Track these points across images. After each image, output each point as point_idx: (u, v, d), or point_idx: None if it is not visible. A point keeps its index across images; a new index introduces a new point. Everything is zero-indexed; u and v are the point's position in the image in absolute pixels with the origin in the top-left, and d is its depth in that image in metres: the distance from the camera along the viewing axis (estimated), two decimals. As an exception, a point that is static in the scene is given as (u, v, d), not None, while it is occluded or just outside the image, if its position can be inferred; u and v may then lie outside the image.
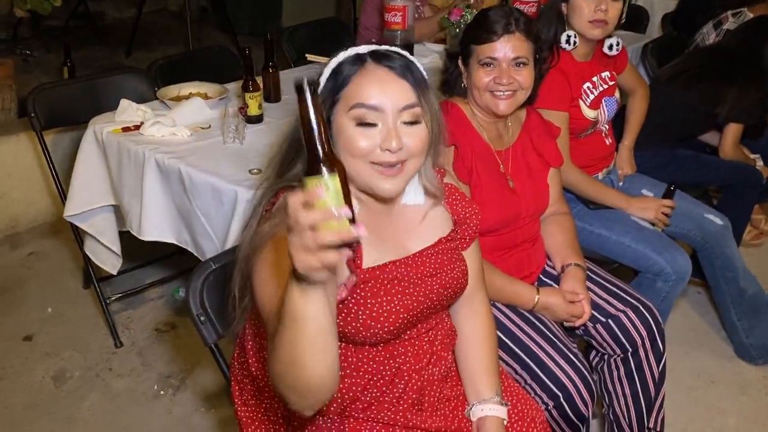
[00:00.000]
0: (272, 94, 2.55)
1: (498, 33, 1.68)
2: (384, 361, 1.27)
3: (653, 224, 2.19)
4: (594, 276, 1.92)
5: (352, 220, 0.87)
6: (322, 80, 1.20)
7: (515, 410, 1.44)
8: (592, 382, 1.64)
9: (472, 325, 1.44)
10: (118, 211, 2.36)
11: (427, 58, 2.88)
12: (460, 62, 1.78)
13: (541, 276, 1.90)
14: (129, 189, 2.22)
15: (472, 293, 1.43)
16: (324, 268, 0.85)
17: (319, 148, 0.90)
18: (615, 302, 1.84)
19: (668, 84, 2.77)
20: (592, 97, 2.23)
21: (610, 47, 2.27)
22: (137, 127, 2.26)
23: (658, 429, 1.91)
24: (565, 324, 1.80)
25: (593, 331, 1.85)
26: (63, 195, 2.44)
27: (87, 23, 5.73)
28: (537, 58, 1.75)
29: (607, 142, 2.38)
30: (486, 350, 1.42)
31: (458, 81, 1.80)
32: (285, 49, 3.16)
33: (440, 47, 3.10)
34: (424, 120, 1.21)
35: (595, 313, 1.82)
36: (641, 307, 1.83)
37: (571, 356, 1.64)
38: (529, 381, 1.63)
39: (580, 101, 2.20)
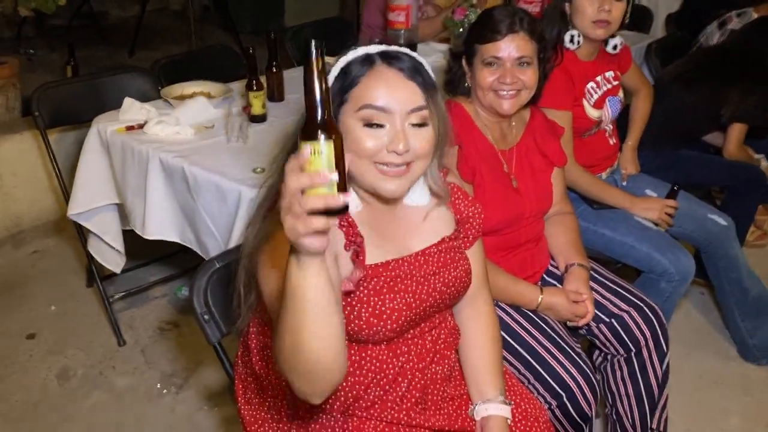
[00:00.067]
0: (276, 94, 2.55)
1: (502, 32, 1.68)
2: (387, 360, 1.27)
3: (657, 224, 2.19)
4: (597, 276, 1.91)
5: (343, 189, 0.87)
6: (330, 79, 1.20)
7: (519, 410, 1.44)
8: (595, 382, 1.64)
9: (476, 325, 1.43)
10: (122, 210, 2.37)
11: (431, 57, 2.87)
12: (463, 62, 1.78)
13: (544, 276, 1.90)
14: (132, 188, 2.22)
15: (475, 293, 1.43)
16: (310, 234, 0.86)
17: (319, 111, 0.89)
18: (618, 302, 1.84)
19: (672, 84, 2.77)
20: (595, 96, 2.23)
21: (615, 47, 2.27)
22: (141, 126, 2.26)
23: (661, 429, 1.91)
24: (569, 324, 1.80)
25: (597, 331, 1.85)
26: (66, 193, 2.44)
27: (91, 22, 5.75)
28: (541, 57, 1.75)
29: (611, 142, 2.37)
30: (489, 350, 1.42)
31: (462, 80, 1.79)
32: (288, 49, 3.17)
33: (444, 46, 3.10)
34: (431, 122, 1.21)
35: (599, 313, 1.82)
36: (645, 307, 1.83)
37: (575, 356, 1.64)
38: (533, 380, 1.63)
39: (584, 101, 2.20)
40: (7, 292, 2.83)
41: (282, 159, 1.25)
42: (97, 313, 2.68)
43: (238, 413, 1.40)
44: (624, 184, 2.43)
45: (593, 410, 1.63)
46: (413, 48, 1.26)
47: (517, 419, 1.41)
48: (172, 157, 2.09)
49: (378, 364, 1.26)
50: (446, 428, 1.33)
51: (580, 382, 1.60)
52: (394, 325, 1.22)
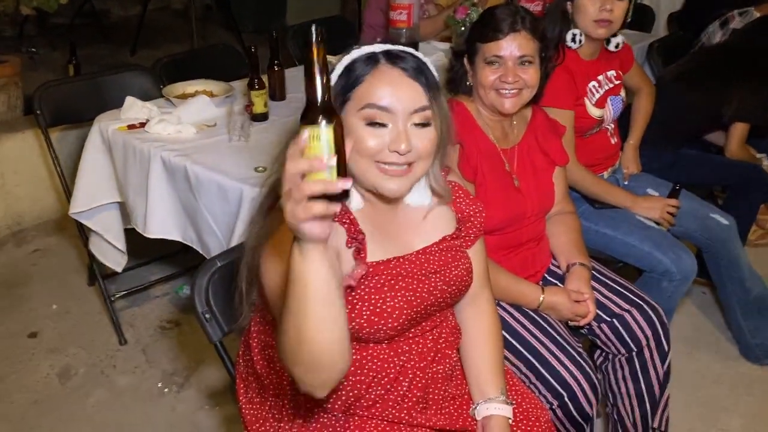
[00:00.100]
0: (277, 92, 2.55)
1: (504, 31, 1.68)
2: (388, 359, 1.27)
3: (658, 224, 2.19)
4: (599, 275, 1.91)
5: (343, 174, 0.87)
6: (334, 77, 1.20)
7: (520, 409, 1.44)
8: (596, 382, 1.64)
9: (477, 324, 1.43)
10: (123, 209, 2.37)
11: (432, 56, 2.88)
12: (465, 60, 1.78)
13: (546, 275, 1.89)
14: (134, 186, 2.22)
15: (476, 292, 1.43)
16: (310, 220, 0.86)
17: (318, 96, 0.89)
18: (620, 302, 1.84)
19: (674, 83, 2.76)
20: (597, 95, 2.23)
21: (617, 45, 2.27)
22: (143, 125, 2.26)
23: (663, 429, 1.91)
24: (570, 323, 1.80)
25: (598, 331, 1.85)
26: (68, 192, 2.45)
27: (92, 21, 5.75)
28: (543, 56, 1.75)
29: (613, 141, 2.37)
30: (491, 349, 1.42)
31: (464, 79, 1.79)
32: (290, 48, 3.16)
33: (445, 45, 3.10)
34: (434, 123, 1.21)
35: (600, 313, 1.81)
36: (646, 307, 1.83)
37: (576, 356, 1.64)
38: (534, 380, 1.63)
39: (586, 100, 2.20)
40: (9, 290, 2.83)
41: (283, 157, 1.25)
42: (98, 312, 2.68)
43: (240, 412, 1.40)
44: (626, 183, 2.42)
45: (594, 410, 1.63)
46: (415, 47, 1.25)
47: (518, 419, 1.41)
48: (174, 156, 2.09)
49: (379, 363, 1.26)
50: (447, 428, 1.33)
51: (582, 382, 1.60)
52: (395, 324, 1.22)
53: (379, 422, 1.28)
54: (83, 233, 2.52)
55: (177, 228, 2.18)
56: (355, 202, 1.24)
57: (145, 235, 2.20)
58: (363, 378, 1.26)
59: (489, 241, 1.60)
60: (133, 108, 2.34)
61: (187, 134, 2.22)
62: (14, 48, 4.78)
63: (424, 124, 1.19)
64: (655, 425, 1.89)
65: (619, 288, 1.88)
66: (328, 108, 0.89)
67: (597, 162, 2.31)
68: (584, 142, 2.24)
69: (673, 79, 2.80)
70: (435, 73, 1.23)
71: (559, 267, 1.89)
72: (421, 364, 1.30)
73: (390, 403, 1.28)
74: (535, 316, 1.73)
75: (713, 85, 2.69)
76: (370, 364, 1.26)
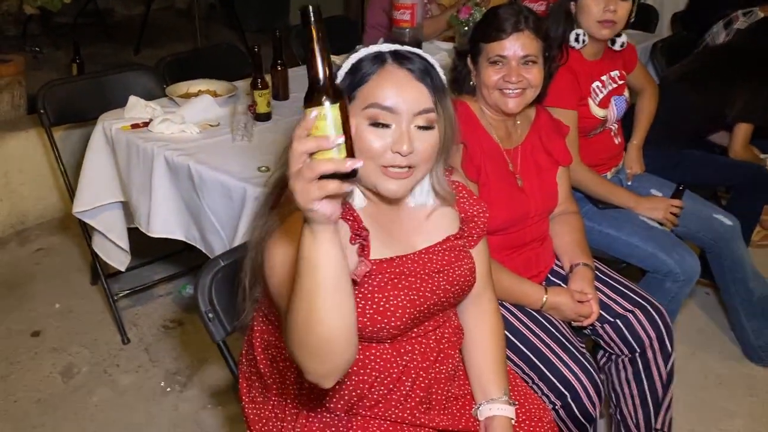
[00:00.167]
0: (281, 92, 2.55)
1: (507, 31, 1.68)
2: (391, 359, 1.27)
3: (662, 224, 2.18)
4: (602, 276, 1.91)
5: (351, 153, 0.88)
6: (341, 74, 1.20)
7: (522, 410, 1.43)
8: (599, 382, 1.63)
9: (480, 325, 1.43)
10: (127, 208, 2.37)
11: (435, 56, 2.86)
12: (469, 60, 1.78)
13: (549, 275, 1.89)
14: (138, 186, 2.22)
15: (479, 292, 1.42)
16: (324, 198, 0.87)
17: (321, 76, 0.89)
18: (623, 302, 1.84)
19: (677, 83, 2.76)
20: (601, 95, 2.23)
21: (622, 45, 2.26)
22: (146, 124, 2.26)
23: (666, 430, 1.91)
24: (573, 324, 1.80)
25: (601, 331, 1.85)
26: (72, 191, 2.45)
27: (96, 20, 5.75)
28: (546, 56, 1.75)
29: (616, 141, 2.37)
30: (494, 349, 1.42)
31: (467, 79, 1.79)
32: (293, 47, 3.16)
33: (448, 45, 3.10)
34: (437, 125, 1.20)
35: (603, 313, 1.81)
36: (649, 308, 1.83)
37: (579, 356, 1.64)
38: (537, 380, 1.63)
39: (589, 100, 2.20)
40: (12, 289, 2.84)
41: (287, 155, 1.25)
42: (101, 311, 2.69)
43: (242, 412, 1.40)
44: (629, 183, 2.42)
45: (597, 410, 1.63)
46: (418, 47, 1.25)
47: (520, 419, 1.41)
48: (177, 156, 2.09)
49: (382, 363, 1.26)
50: (450, 428, 1.32)
51: (585, 383, 1.60)
52: (398, 323, 1.22)
53: (381, 422, 1.28)
54: (86, 232, 2.52)
55: (180, 227, 2.18)
56: (358, 200, 1.24)
57: (148, 234, 2.20)
58: (366, 378, 1.26)
59: (492, 241, 1.60)
60: (137, 107, 2.35)
61: (191, 134, 2.22)
62: (18, 47, 4.79)
63: (427, 127, 1.19)
64: (658, 426, 1.88)
65: (623, 288, 1.87)
66: (331, 87, 0.89)
67: (600, 162, 2.31)
68: (588, 142, 2.24)
69: (676, 79, 2.80)
70: (442, 76, 1.23)
71: (562, 267, 1.89)
72: (424, 364, 1.30)
73: (393, 403, 1.28)
74: (538, 317, 1.73)
75: (717, 85, 2.69)
76: (372, 363, 1.25)
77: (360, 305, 1.20)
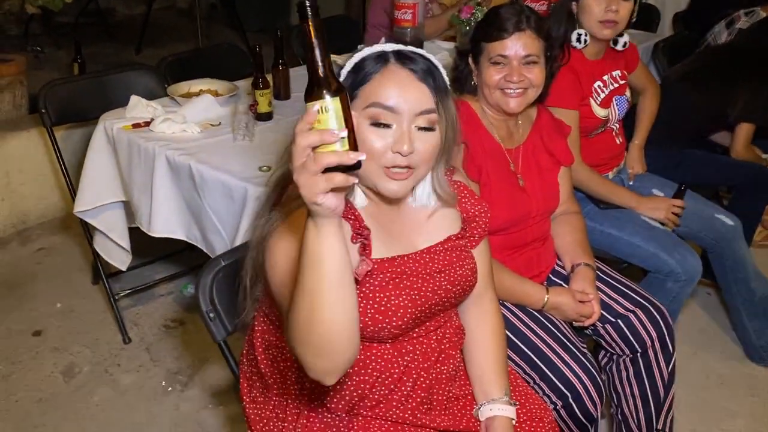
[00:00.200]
0: (282, 92, 2.55)
1: (509, 31, 1.68)
2: (392, 359, 1.27)
3: (663, 224, 2.18)
4: (604, 276, 1.91)
5: (354, 145, 0.88)
6: (343, 72, 1.20)
7: (524, 410, 1.43)
8: (601, 383, 1.63)
9: (481, 325, 1.43)
10: (128, 208, 2.37)
11: (437, 55, 2.86)
12: (470, 60, 1.78)
13: (550, 275, 1.89)
14: (139, 185, 2.23)
15: (481, 292, 1.42)
16: (330, 191, 0.88)
17: (320, 70, 0.90)
18: (625, 302, 1.84)
19: (679, 83, 2.76)
20: (602, 95, 2.23)
21: (624, 44, 2.26)
22: (147, 124, 2.26)
23: (667, 430, 1.90)
24: (575, 324, 1.80)
25: (602, 331, 1.85)
26: (73, 191, 2.45)
27: (97, 20, 5.76)
28: (548, 56, 1.75)
29: (618, 141, 2.37)
30: (495, 350, 1.42)
31: (468, 79, 1.79)
32: (295, 47, 3.16)
33: (449, 45, 3.10)
34: (439, 127, 1.20)
35: (605, 313, 1.81)
36: (651, 308, 1.83)
37: (580, 356, 1.64)
38: (538, 381, 1.63)
39: (591, 100, 2.19)
40: (13, 289, 2.84)
41: (288, 154, 1.25)
42: (102, 311, 2.69)
43: (243, 412, 1.40)
44: (631, 183, 2.42)
45: (599, 411, 1.63)
46: (420, 46, 1.25)
47: (521, 420, 1.41)
48: (179, 155, 2.09)
49: (383, 363, 1.26)
50: (451, 428, 1.32)
51: (586, 383, 1.60)
52: (399, 323, 1.22)
53: (382, 422, 1.28)
54: (88, 232, 2.52)
55: (181, 227, 2.18)
56: (360, 199, 1.24)
57: (149, 233, 2.20)
58: (367, 378, 1.25)
59: (494, 241, 1.60)
60: (138, 107, 2.35)
61: (192, 133, 2.22)
62: (19, 47, 4.79)
63: (428, 128, 1.18)
64: (660, 426, 1.88)
65: (624, 289, 1.87)
66: (331, 80, 0.90)
67: (602, 162, 2.31)
68: (589, 142, 2.24)
69: (678, 79, 2.80)
70: (445, 77, 1.23)
71: (563, 267, 1.89)
72: (425, 365, 1.30)
73: (394, 404, 1.28)
74: (540, 317, 1.73)
75: (719, 85, 2.68)
76: (373, 364, 1.25)
77: (361, 305, 1.20)
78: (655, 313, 1.82)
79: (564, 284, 1.84)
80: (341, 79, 1.20)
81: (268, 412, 1.36)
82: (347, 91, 1.16)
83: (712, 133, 2.90)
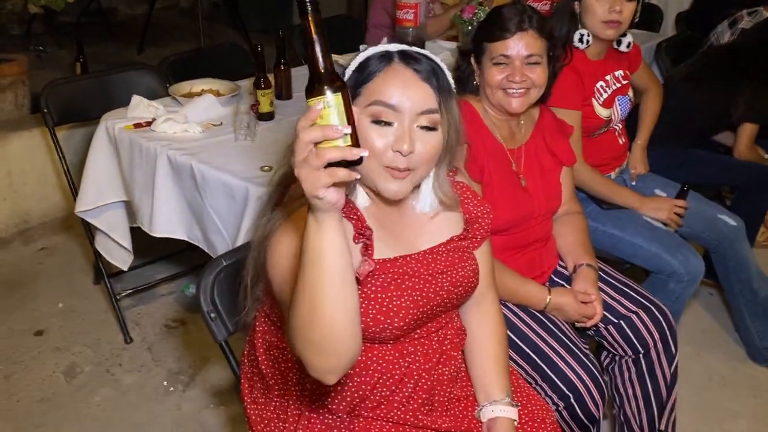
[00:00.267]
0: (284, 92, 2.55)
1: (511, 30, 1.67)
2: (393, 360, 1.26)
3: (666, 225, 2.18)
4: (606, 276, 1.90)
5: (355, 140, 0.89)
6: (348, 72, 1.21)
7: (525, 411, 1.43)
8: (603, 383, 1.63)
9: (483, 326, 1.43)
10: (129, 207, 2.37)
11: (439, 55, 2.86)
12: (472, 60, 1.77)
13: (552, 276, 1.89)
14: (140, 185, 2.22)
15: (482, 293, 1.42)
16: (332, 185, 0.88)
17: (321, 66, 0.90)
18: (627, 303, 1.83)
19: (682, 83, 2.75)
20: (605, 95, 2.22)
21: (628, 45, 2.26)
22: (149, 124, 2.26)
23: (670, 431, 1.90)
24: (577, 325, 1.79)
25: (605, 332, 1.84)
26: (74, 191, 2.45)
27: (99, 20, 5.76)
28: (550, 56, 1.74)
29: (620, 141, 2.36)
30: (496, 351, 1.42)
31: (470, 79, 1.79)
32: (296, 47, 3.16)
33: (451, 44, 3.10)
34: (441, 127, 1.20)
35: (607, 314, 1.81)
36: (653, 309, 1.82)
37: (583, 357, 1.63)
38: (540, 381, 1.62)
39: (593, 100, 2.19)
40: (15, 289, 2.84)
41: (289, 157, 1.25)
42: (104, 311, 2.69)
43: (244, 412, 1.40)
44: (633, 183, 2.42)
45: (601, 412, 1.63)
46: (422, 46, 1.25)
47: (523, 420, 1.41)
48: (180, 155, 2.09)
49: (384, 364, 1.25)
50: (453, 429, 1.32)
51: (588, 384, 1.60)
52: (401, 323, 1.21)
53: (384, 423, 1.28)
54: (89, 232, 2.52)
55: (183, 227, 2.18)
56: (362, 199, 1.24)
57: (150, 233, 2.20)
58: (368, 379, 1.25)
59: (496, 242, 1.59)
60: (140, 107, 2.35)
61: (193, 133, 2.22)
62: (21, 46, 4.79)
63: (430, 128, 1.18)
64: (662, 427, 1.88)
65: (626, 289, 1.87)
66: (332, 77, 0.90)
67: (604, 162, 2.30)
68: (592, 142, 2.23)
69: (681, 79, 2.79)
70: (450, 79, 1.23)
71: (565, 268, 1.88)
72: (427, 366, 1.30)
73: (395, 405, 1.28)
74: (542, 317, 1.72)
75: (722, 85, 2.68)
76: (375, 365, 1.25)
77: (363, 305, 1.19)
78: (658, 314, 1.81)
79: (566, 285, 1.83)
80: (345, 78, 1.20)
81: (269, 413, 1.35)
82: (351, 89, 1.16)
83: (715, 133, 2.90)
